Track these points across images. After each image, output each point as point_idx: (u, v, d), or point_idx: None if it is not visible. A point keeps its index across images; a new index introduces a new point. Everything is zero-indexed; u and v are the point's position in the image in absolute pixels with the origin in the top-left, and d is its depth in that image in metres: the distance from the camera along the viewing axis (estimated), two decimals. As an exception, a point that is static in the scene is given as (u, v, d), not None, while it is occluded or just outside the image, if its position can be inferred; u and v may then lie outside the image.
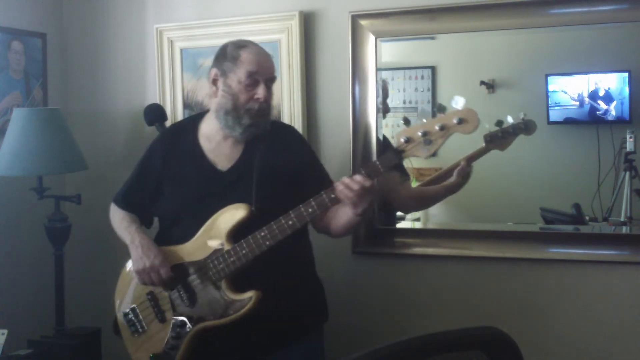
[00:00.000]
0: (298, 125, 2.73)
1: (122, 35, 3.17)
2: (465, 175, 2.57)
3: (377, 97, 2.70)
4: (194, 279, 2.13)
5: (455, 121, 1.84)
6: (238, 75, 2.11)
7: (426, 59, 2.91)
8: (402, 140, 1.89)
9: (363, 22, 2.70)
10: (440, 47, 2.85)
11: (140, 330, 2.22)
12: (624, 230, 2.65)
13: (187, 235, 2.15)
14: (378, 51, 2.69)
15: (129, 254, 2.28)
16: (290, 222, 2.02)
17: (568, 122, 2.73)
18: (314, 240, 2.32)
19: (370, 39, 2.70)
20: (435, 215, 2.90)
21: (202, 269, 2.11)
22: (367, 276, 2.79)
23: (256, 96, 2.11)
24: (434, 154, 1.92)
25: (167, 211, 2.26)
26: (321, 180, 2.18)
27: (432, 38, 2.76)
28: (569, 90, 2.69)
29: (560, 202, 2.72)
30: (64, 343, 2.87)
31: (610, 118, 2.65)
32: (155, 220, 2.39)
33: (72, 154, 2.89)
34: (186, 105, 3.04)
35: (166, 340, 2.10)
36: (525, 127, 2.23)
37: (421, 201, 2.79)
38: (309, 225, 2.20)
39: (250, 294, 2.04)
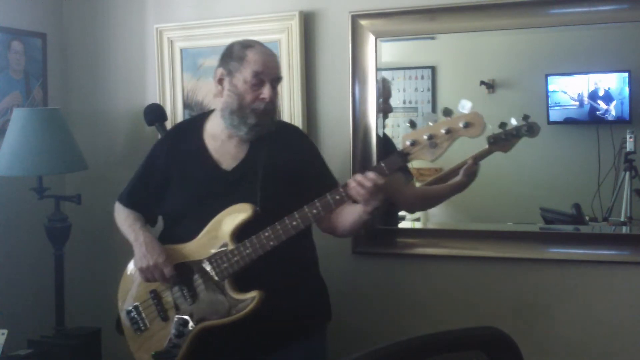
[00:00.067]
0: (298, 125, 2.73)
1: (122, 35, 3.17)
2: (471, 174, 2.56)
3: (377, 97, 2.70)
4: (197, 278, 2.13)
5: (461, 125, 1.84)
6: (244, 75, 2.11)
7: (426, 59, 2.91)
8: (407, 143, 1.89)
9: (363, 22, 2.70)
10: (440, 47, 2.85)
11: (142, 328, 2.22)
12: (624, 230, 2.65)
13: (191, 234, 2.15)
14: (378, 51, 2.69)
15: (130, 254, 2.28)
16: (294, 223, 2.02)
17: (568, 122, 2.73)
18: (314, 240, 2.32)
19: (370, 39, 2.70)
20: (435, 215, 2.90)
21: (206, 269, 2.11)
22: (367, 276, 2.79)
23: (262, 96, 2.11)
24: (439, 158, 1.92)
25: (171, 210, 2.26)
26: (326, 181, 2.17)
27: (432, 38, 2.76)
28: (569, 90, 2.69)
29: (560, 202, 2.72)
30: (64, 343, 2.87)
31: (610, 118, 2.65)
32: (160, 219, 2.38)
33: (72, 154, 2.89)
34: (186, 105, 3.04)
35: (168, 338, 2.10)
36: (529, 129, 2.22)
37: (426, 201, 2.78)
38: (313, 226, 2.20)
39: (253, 294, 2.04)
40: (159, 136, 2.84)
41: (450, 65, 2.92)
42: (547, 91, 2.72)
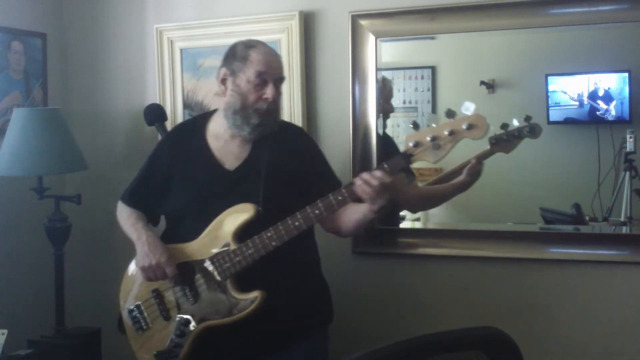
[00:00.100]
0: (298, 125, 2.73)
1: (122, 35, 3.17)
2: (475, 173, 2.55)
3: (378, 97, 2.70)
4: (199, 277, 2.13)
5: (464, 127, 1.84)
6: (247, 75, 2.11)
7: (426, 59, 2.91)
8: (410, 144, 1.89)
9: (363, 22, 2.70)
10: (440, 47, 2.85)
11: (144, 327, 2.23)
12: (624, 230, 2.65)
13: (194, 233, 2.15)
14: (378, 51, 2.69)
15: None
16: (296, 223, 2.02)
17: (568, 122, 2.73)
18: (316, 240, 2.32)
19: (370, 39, 2.70)
20: (435, 215, 2.90)
21: (208, 268, 2.11)
22: (367, 276, 2.79)
23: (265, 96, 2.11)
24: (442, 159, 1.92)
25: (173, 209, 2.26)
26: (329, 182, 2.17)
27: (432, 38, 2.76)
28: (569, 90, 2.69)
29: (560, 202, 2.72)
30: (64, 343, 2.87)
31: (610, 118, 2.65)
32: (162, 218, 2.38)
33: (72, 154, 2.89)
34: (186, 105, 3.04)
35: (170, 338, 2.11)
36: (531, 130, 2.22)
37: (428, 200, 2.77)
38: (315, 226, 2.20)
39: (255, 294, 2.04)
40: (159, 136, 2.84)
41: (450, 65, 2.92)
42: (547, 91, 2.72)
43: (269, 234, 2.03)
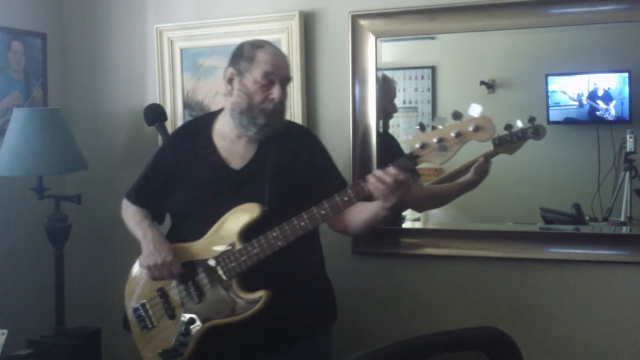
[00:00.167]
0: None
1: (122, 35, 3.17)
2: (482, 172, 2.54)
3: (378, 97, 2.70)
4: (204, 276, 2.13)
5: (471, 128, 1.84)
6: (254, 75, 2.11)
7: (426, 59, 2.91)
8: (417, 145, 1.89)
9: (363, 22, 2.70)
10: (440, 47, 2.85)
11: (149, 326, 2.23)
12: (624, 230, 2.65)
13: (199, 232, 2.15)
14: (378, 51, 2.69)
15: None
16: (302, 224, 2.02)
17: (568, 122, 2.73)
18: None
19: (370, 39, 2.70)
20: (435, 215, 2.90)
21: (213, 267, 2.11)
22: (367, 276, 2.79)
23: (271, 96, 2.11)
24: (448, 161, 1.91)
25: (179, 208, 2.26)
26: (335, 182, 2.17)
27: (432, 38, 2.76)
28: (568, 90, 2.69)
29: (560, 202, 2.71)
30: (64, 343, 2.87)
31: (610, 118, 2.65)
32: (167, 217, 2.38)
33: (72, 154, 2.89)
34: (186, 105, 3.04)
35: (175, 336, 2.11)
36: (535, 131, 2.22)
37: (434, 200, 2.76)
38: (320, 226, 2.19)
39: (260, 294, 2.04)
40: (159, 136, 2.85)
41: (450, 65, 2.92)
42: (547, 91, 2.72)
43: (274, 234, 2.03)
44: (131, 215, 2.32)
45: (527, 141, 2.25)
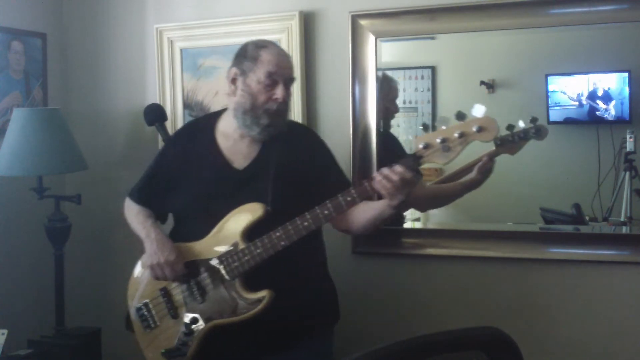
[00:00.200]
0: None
1: (122, 35, 3.17)
2: (486, 171, 2.53)
3: (377, 97, 2.70)
4: (207, 276, 2.13)
5: (474, 129, 1.84)
6: (257, 75, 2.11)
7: (426, 59, 2.91)
8: (420, 146, 1.89)
9: (363, 22, 2.70)
10: (440, 47, 2.85)
11: (152, 325, 2.23)
12: (624, 230, 2.65)
13: (202, 232, 2.15)
14: (378, 51, 2.69)
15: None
16: (305, 224, 2.02)
17: (568, 122, 2.73)
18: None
19: (370, 39, 2.70)
20: (435, 215, 2.89)
21: (216, 267, 2.11)
22: (367, 276, 2.79)
23: (275, 96, 2.11)
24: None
25: (181, 207, 2.26)
26: (338, 182, 2.17)
27: (432, 38, 2.76)
28: (568, 90, 2.69)
29: (560, 202, 2.71)
30: (64, 343, 2.87)
31: (610, 118, 2.65)
32: (170, 216, 2.38)
33: (72, 154, 2.89)
34: (186, 105, 3.04)
35: (178, 336, 2.11)
36: (537, 132, 2.21)
37: (437, 199, 2.75)
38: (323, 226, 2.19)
39: (263, 293, 2.04)
40: (159, 136, 2.85)
41: (450, 65, 2.92)
42: (547, 91, 2.72)
43: (277, 234, 2.03)
44: (134, 214, 2.32)
45: (529, 141, 2.25)
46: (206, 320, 2.10)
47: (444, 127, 1.87)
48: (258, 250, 2.05)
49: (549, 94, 2.72)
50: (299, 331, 2.15)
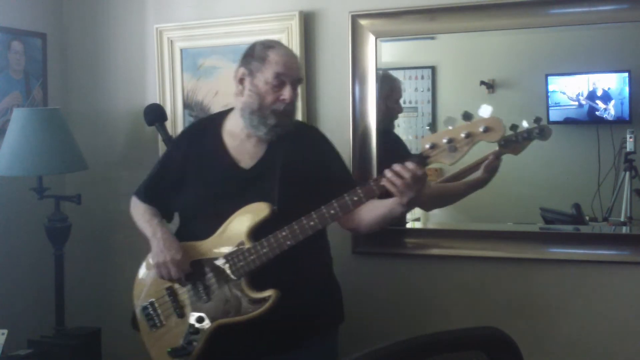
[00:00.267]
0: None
1: (122, 35, 3.17)
2: (492, 170, 2.53)
3: (378, 96, 2.70)
4: (213, 275, 2.13)
5: (481, 129, 1.84)
6: (265, 76, 2.11)
7: (426, 59, 2.91)
8: (427, 146, 1.89)
9: (363, 22, 2.70)
10: (440, 47, 2.85)
11: (158, 324, 2.23)
12: (624, 230, 2.65)
13: (208, 231, 2.16)
14: (378, 51, 2.69)
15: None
16: (311, 223, 2.02)
17: (568, 122, 2.73)
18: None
19: (370, 39, 2.70)
20: (435, 215, 2.89)
21: (222, 266, 2.11)
22: (367, 276, 2.79)
23: (282, 97, 2.11)
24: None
25: (188, 207, 2.26)
26: (344, 182, 2.16)
27: (432, 38, 2.76)
28: (568, 90, 2.69)
29: (560, 202, 2.71)
30: (64, 343, 2.87)
31: (609, 118, 2.65)
32: (176, 215, 2.38)
33: (72, 154, 2.89)
34: (186, 105, 3.04)
35: (184, 335, 2.11)
36: (541, 132, 2.21)
37: (443, 198, 2.74)
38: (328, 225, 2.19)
39: (269, 293, 2.05)
40: (159, 136, 2.85)
41: (450, 65, 2.92)
42: (547, 91, 2.72)
43: (283, 233, 2.03)
44: (140, 213, 2.32)
45: (533, 141, 2.25)
46: (212, 320, 2.11)
47: (450, 128, 1.87)
48: (264, 250, 2.05)
49: (549, 94, 2.72)
50: (305, 331, 2.15)
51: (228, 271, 2.10)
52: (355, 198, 1.99)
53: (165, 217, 2.34)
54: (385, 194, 2.00)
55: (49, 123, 2.83)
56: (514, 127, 2.23)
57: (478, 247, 2.65)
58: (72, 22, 3.27)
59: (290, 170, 2.13)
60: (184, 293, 2.19)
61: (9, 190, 2.99)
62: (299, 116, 2.77)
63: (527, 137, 2.23)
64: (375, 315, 2.77)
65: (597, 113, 2.67)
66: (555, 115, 2.72)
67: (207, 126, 2.33)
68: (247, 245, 2.08)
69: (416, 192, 1.94)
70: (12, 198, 3.01)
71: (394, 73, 2.86)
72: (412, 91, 2.92)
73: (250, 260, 2.06)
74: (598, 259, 2.51)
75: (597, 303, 2.53)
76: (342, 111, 2.76)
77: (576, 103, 2.69)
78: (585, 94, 2.67)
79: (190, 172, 2.24)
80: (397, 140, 2.84)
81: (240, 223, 2.10)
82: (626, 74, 2.63)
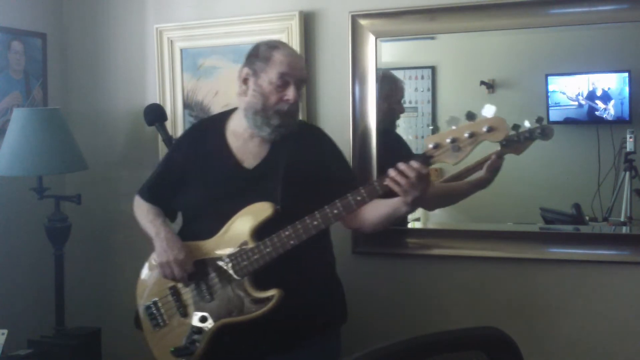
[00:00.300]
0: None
1: (122, 35, 3.17)
2: (495, 169, 2.52)
3: (378, 96, 2.70)
4: (216, 275, 2.13)
5: (484, 129, 1.84)
6: (269, 76, 2.11)
7: (426, 59, 2.91)
8: (430, 146, 1.89)
9: (363, 22, 2.70)
10: (440, 47, 2.85)
11: (161, 324, 2.23)
12: (624, 230, 2.65)
13: (211, 231, 2.16)
14: (378, 51, 2.69)
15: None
16: (315, 223, 2.02)
17: (568, 122, 2.73)
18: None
19: (370, 39, 2.70)
20: (435, 215, 2.89)
21: (225, 266, 2.11)
22: (367, 276, 2.79)
23: (286, 97, 2.11)
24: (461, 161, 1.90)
25: (191, 206, 2.26)
26: (347, 182, 2.16)
27: (432, 38, 2.76)
28: (567, 90, 2.69)
29: (560, 202, 2.71)
30: (64, 343, 2.87)
31: (609, 118, 2.65)
32: (179, 215, 2.38)
33: (72, 154, 2.89)
34: (186, 105, 3.04)
35: (187, 334, 2.12)
36: (543, 132, 2.21)
37: (446, 198, 2.72)
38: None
39: (272, 292, 2.05)
40: (159, 136, 2.84)
41: (450, 65, 2.92)
42: (547, 91, 2.72)
43: (287, 233, 2.03)
44: (144, 213, 2.32)
45: (535, 141, 2.24)
46: (215, 319, 2.11)
47: (454, 127, 1.87)
48: (267, 250, 2.05)
49: (549, 94, 2.72)
50: (307, 330, 2.15)
51: (231, 271, 2.10)
52: (359, 198, 1.99)
53: (169, 217, 2.34)
54: (388, 194, 2.00)
55: (49, 123, 2.83)
56: (515, 127, 2.22)
57: (478, 247, 2.65)
58: (72, 22, 3.27)
59: (294, 170, 2.13)
60: (187, 293, 2.19)
61: (9, 190, 2.99)
62: (299, 116, 2.77)
63: (529, 137, 2.23)
64: (374, 315, 2.77)
65: (596, 113, 2.67)
66: (555, 115, 2.72)
67: (210, 126, 2.33)
68: (251, 244, 2.08)
69: (420, 192, 1.94)
70: (12, 198, 3.01)
71: (394, 73, 2.86)
72: (412, 91, 2.92)
73: (254, 259, 2.07)
74: (598, 259, 2.51)
75: (597, 303, 2.53)
76: (342, 111, 2.76)
77: (576, 103, 2.69)
78: (585, 94, 2.67)
79: (194, 171, 2.24)
80: (400, 140, 2.84)
81: (244, 223, 2.10)
82: (626, 74, 2.63)
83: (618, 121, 2.64)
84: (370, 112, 2.72)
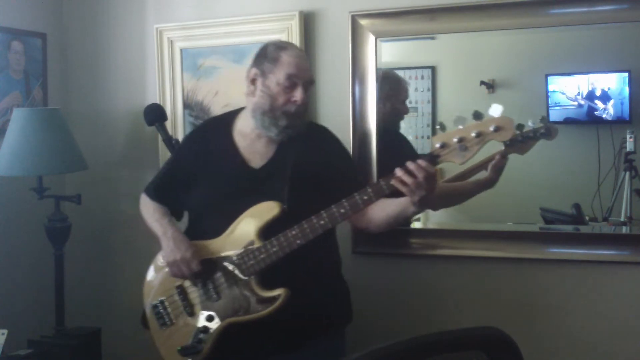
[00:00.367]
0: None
1: (122, 35, 3.17)
2: (499, 169, 2.52)
3: (378, 96, 2.70)
4: (223, 274, 2.14)
5: (491, 129, 1.83)
6: (277, 77, 2.11)
7: (426, 59, 2.91)
8: (437, 145, 1.88)
9: (363, 22, 2.70)
10: (440, 47, 2.85)
11: (168, 323, 2.24)
12: (624, 230, 2.65)
13: (218, 230, 2.16)
14: (378, 51, 2.70)
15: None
16: (322, 222, 2.02)
17: (568, 122, 2.73)
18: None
19: (370, 39, 2.70)
20: (435, 215, 2.89)
21: (232, 265, 2.11)
22: (367, 276, 2.79)
23: (293, 98, 2.11)
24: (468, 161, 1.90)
25: (197, 205, 2.26)
26: (354, 182, 2.16)
27: (432, 38, 2.76)
28: (567, 90, 2.69)
29: (560, 202, 2.71)
30: (64, 343, 2.87)
31: (609, 117, 2.65)
32: (185, 214, 2.38)
33: (72, 154, 2.89)
34: (186, 105, 3.04)
35: (194, 333, 2.12)
36: (547, 131, 2.21)
37: (451, 198, 2.70)
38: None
39: (279, 292, 2.05)
40: (159, 136, 2.85)
41: (450, 65, 2.92)
42: (547, 91, 2.72)
43: (293, 232, 2.04)
44: (150, 212, 2.33)
45: (539, 141, 2.24)
46: (222, 318, 2.11)
47: (460, 127, 1.87)
48: (274, 249, 2.05)
49: (549, 94, 2.72)
50: (313, 330, 2.15)
51: (238, 270, 2.10)
52: (365, 197, 1.99)
53: (175, 216, 2.35)
54: (395, 194, 2.00)
55: (49, 123, 2.83)
56: (520, 126, 2.22)
57: (478, 247, 2.65)
58: (72, 22, 3.27)
59: (300, 169, 2.13)
60: (194, 292, 2.19)
61: (9, 190, 2.99)
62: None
63: (533, 136, 2.23)
64: (374, 315, 2.77)
65: (595, 113, 2.67)
66: (555, 115, 2.72)
67: (217, 125, 2.33)
68: (257, 244, 2.08)
69: (427, 191, 1.93)
70: (12, 198, 3.01)
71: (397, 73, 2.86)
72: (412, 91, 2.92)
73: (260, 259, 2.07)
74: (598, 259, 2.51)
75: (597, 303, 2.53)
76: (342, 111, 2.76)
77: (575, 103, 2.69)
78: (585, 94, 2.67)
79: (201, 171, 2.24)
80: (404, 140, 2.84)
81: (250, 222, 2.11)
82: (626, 74, 2.63)
83: (618, 121, 2.64)
84: (370, 112, 2.72)
